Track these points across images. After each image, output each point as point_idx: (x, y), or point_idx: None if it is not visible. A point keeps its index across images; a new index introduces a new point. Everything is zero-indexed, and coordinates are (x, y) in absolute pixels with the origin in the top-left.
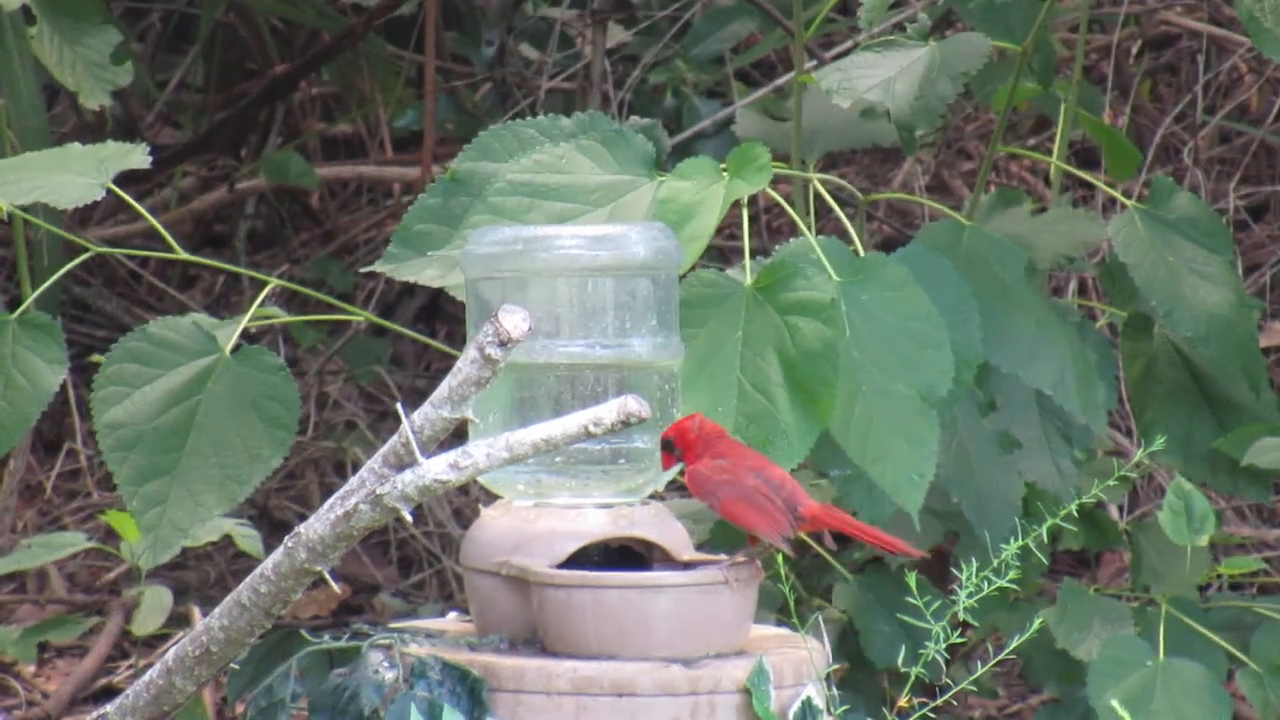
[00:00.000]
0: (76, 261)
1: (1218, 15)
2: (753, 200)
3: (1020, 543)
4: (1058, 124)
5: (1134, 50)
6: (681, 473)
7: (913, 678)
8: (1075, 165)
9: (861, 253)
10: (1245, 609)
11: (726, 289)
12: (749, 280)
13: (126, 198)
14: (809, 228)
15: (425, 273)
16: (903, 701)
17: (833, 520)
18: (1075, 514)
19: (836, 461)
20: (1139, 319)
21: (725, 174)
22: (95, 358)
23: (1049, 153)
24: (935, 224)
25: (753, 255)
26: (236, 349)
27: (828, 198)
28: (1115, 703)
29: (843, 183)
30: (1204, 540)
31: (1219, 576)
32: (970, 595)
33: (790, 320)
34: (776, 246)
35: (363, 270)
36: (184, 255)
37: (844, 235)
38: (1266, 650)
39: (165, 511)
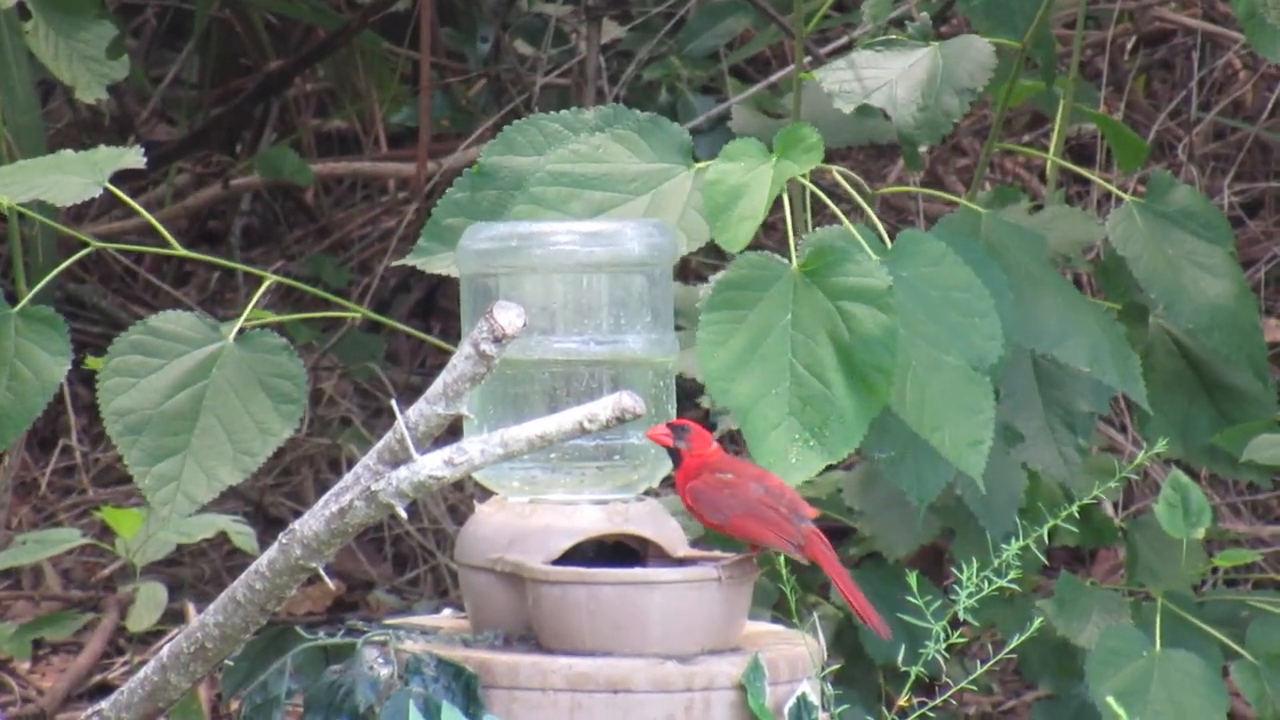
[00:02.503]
0: (75, 258)
1: (1212, 12)
2: None
3: (1021, 543)
4: (1054, 120)
5: (1129, 46)
6: (673, 481)
7: (913, 677)
8: (1070, 161)
9: (886, 240)
10: (1240, 603)
11: (774, 271)
12: (795, 264)
13: (123, 196)
14: (808, 223)
15: (455, 266)
16: (903, 701)
17: (822, 556)
18: (1073, 512)
19: (881, 444)
20: (1134, 308)
21: (773, 156)
22: (90, 362)
23: (1043, 149)
24: (953, 214)
25: (764, 248)
26: (238, 335)
27: (848, 188)
28: (1111, 699)
29: (854, 176)
30: (1200, 533)
31: (1214, 572)
32: (970, 595)
33: (843, 306)
34: (804, 235)
35: (393, 264)
36: (181, 251)
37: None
38: (1262, 642)
39: (179, 486)
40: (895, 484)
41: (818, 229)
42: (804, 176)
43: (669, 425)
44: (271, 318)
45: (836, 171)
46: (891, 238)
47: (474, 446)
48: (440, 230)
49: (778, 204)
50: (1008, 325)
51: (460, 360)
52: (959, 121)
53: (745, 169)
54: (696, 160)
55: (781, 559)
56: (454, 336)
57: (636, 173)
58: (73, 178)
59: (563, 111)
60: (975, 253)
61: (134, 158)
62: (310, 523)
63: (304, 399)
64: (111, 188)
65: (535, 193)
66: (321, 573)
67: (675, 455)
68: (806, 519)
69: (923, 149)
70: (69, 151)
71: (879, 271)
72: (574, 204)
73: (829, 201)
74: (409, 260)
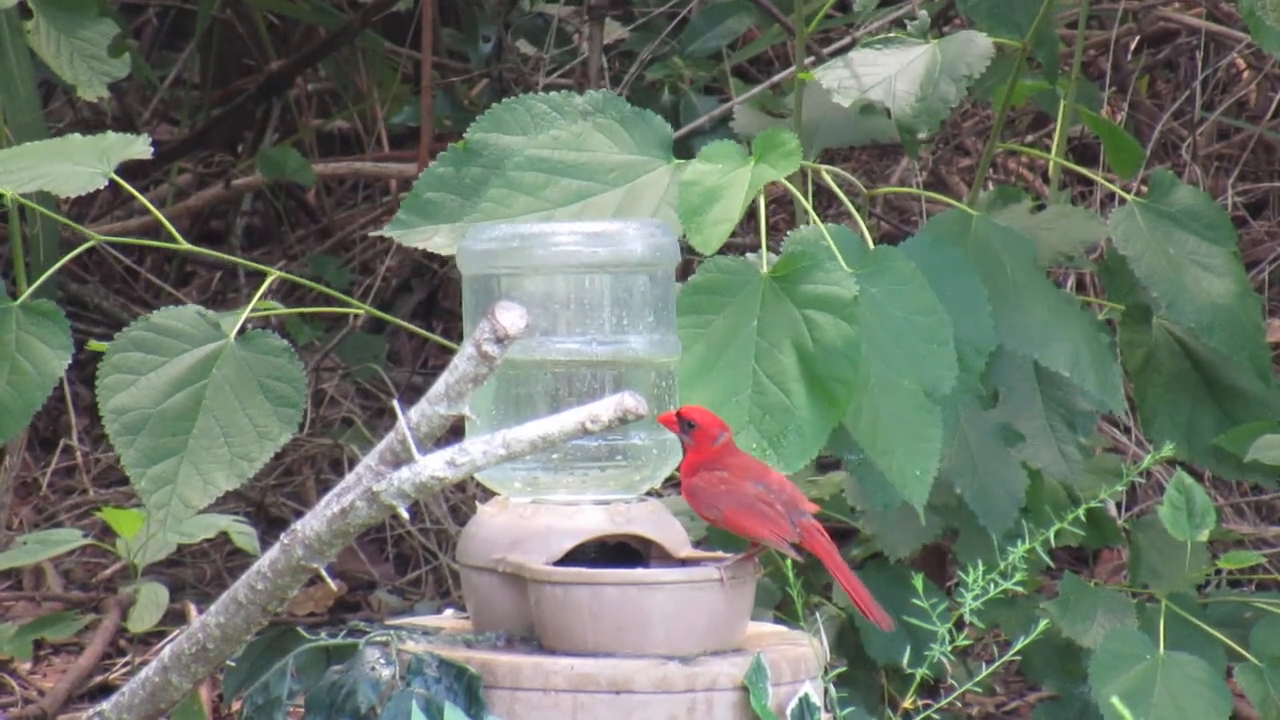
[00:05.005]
0: (77, 251)
1: (1216, 11)
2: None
3: (1026, 546)
4: (1056, 120)
5: (1132, 46)
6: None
7: (918, 679)
8: (1073, 162)
9: (870, 244)
10: (1244, 604)
11: (744, 276)
12: (765, 269)
13: (128, 187)
14: (809, 222)
15: (434, 240)
16: (907, 703)
17: (822, 549)
18: (1076, 512)
19: (852, 447)
20: (1137, 309)
21: (751, 159)
22: (94, 344)
23: (1046, 149)
24: (943, 215)
25: (755, 249)
26: (239, 334)
27: (835, 188)
28: (1116, 699)
29: (848, 176)
30: (1204, 535)
31: (1217, 573)
32: (976, 598)
33: (809, 314)
34: (787, 234)
35: (372, 234)
36: (186, 246)
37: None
38: (1266, 644)
39: (175, 489)
40: (863, 488)
41: (799, 229)
42: (800, 179)
43: (678, 415)
44: (278, 309)
45: (826, 173)
46: (893, 239)
47: (476, 447)
48: (421, 203)
49: (778, 206)
50: (985, 334)
51: (462, 361)
52: (960, 117)
53: (722, 171)
54: (678, 156)
55: (788, 562)
56: (456, 337)
57: (615, 163)
58: (78, 167)
59: (552, 93)
60: (955, 261)
61: (141, 147)
62: (312, 523)
63: (303, 402)
64: (117, 179)
65: (512, 177)
66: (323, 573)
67: (681, 444)
68: (806, 514)
69: (922, 135)
70: (76, 136)
71: (847, 281)
72: (550, 190)
73: (807, 206)
74: (386, 232)
